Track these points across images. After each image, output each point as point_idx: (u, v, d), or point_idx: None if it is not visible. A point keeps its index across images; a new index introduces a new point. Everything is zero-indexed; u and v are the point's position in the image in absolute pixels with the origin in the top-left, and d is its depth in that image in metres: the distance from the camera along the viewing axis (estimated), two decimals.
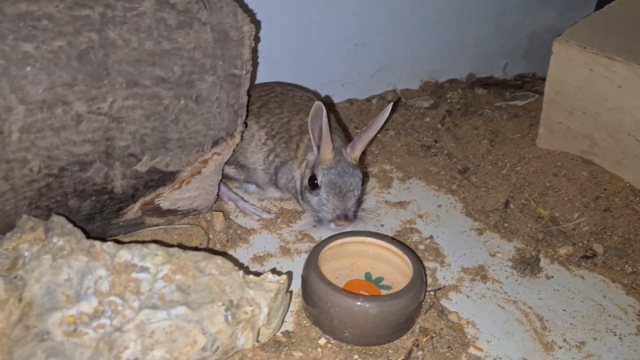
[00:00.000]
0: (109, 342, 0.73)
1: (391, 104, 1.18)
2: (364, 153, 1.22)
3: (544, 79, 1.49)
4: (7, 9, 0.81)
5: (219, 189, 1.16)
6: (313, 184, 1.14)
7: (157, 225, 1.10)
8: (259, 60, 1.45)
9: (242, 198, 1.26)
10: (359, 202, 1.21)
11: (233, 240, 1.17)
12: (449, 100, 1.79)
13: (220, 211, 1.20)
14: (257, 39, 1.29)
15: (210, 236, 1.14)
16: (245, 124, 1.06)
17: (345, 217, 1.14)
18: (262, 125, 1.23)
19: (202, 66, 0.95)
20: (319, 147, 1.13)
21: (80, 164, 0.90)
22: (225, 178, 1.19)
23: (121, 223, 1.03)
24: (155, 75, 0.91)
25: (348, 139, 1.28)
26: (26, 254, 0.83)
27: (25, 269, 0.80)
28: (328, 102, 1.60)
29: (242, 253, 1.14)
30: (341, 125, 1.44)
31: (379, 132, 1.20)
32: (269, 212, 1.26)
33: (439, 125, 1.66)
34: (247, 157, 1.24)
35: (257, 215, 1.24)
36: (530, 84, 1.93)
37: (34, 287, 0.78)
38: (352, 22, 1.60)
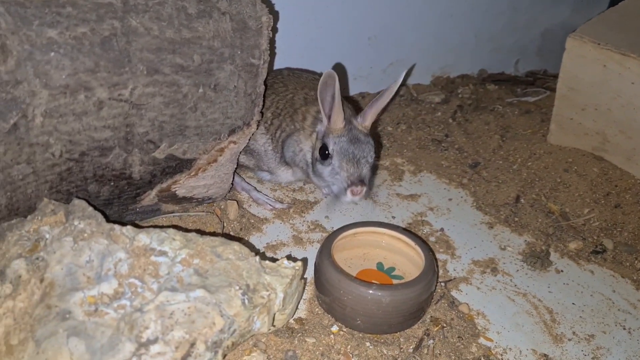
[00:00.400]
0: (130, 322, 0.74)
1: (404, 72, 1.16)
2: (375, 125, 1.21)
3: (555, 76, 1.50)
4: None
5: (233, 179, 1.17)
6: (324, 154, 1.12)
7: (172, 212, 1.11)
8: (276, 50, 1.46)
9: (255, 188, 1.27)
10: (373, 171, 1.19)
11: (246, 229, 1.18)
12: (460, 96, 1.79)
13: (235, 200, 1.21)
14: (274, 30, 1.30)
15: (224, 224, 1.16)
16: (262, 113, 1.07)
17: (361, 182, 1.10)
18: (267, 107, 1.21)
19: (221, 55, 0.97)
20: (329, 117, 1.11)
21: (101, 150, 0.91)
22: (238, 167, 1.21)
23: (138, 209, 1.05)
24: (175, 63, 0.93)
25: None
26: (47, 236, 0.84)
27: (47, 250, 0.82)
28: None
29: (255, 242, 1.16)
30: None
31: (390, 102, 1.18)
32: (281, 202, 1.28)
33: (450, 120, 1.67)
34: (256, 139, 1.23)
35: (270, 205, 1.25)
36: (542, 80, 1.93)
37: (56, 268, 0.80)
38: (365, 16, 1.61)
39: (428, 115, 1.69)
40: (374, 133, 1.16)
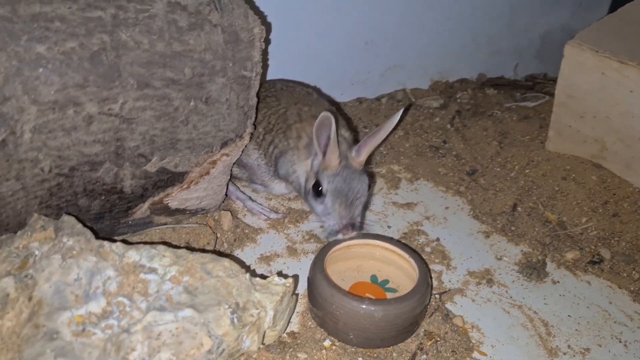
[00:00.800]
0: (117, 343, 0.74)
1: (401, 110, 1.14)
2: (371, 153, 1.20)
3: (555, 80, 1.48)
4: (21, 10, 0.81)
5: (227, 189, 1.16)
6: (317, 191, 1.10)
7: (165, 224, 1.11)
8: (269, 57, 1.45)
9: (249, 198, 1.27)
10: (365, 207, 1.18)
11: (240, 240, 1.18)
12: (458, 101, 1.78)
13: (228, 210, 1.21)
14: (267, 41, 1.29)
15: (218, 235, 1.15)
16: (254, 126, 1.07)
17: (353, 226, 1.08)
18: (259, 121, 1.20)
19: (212, 68, 0.96)
20: (324, 154, 1.09)
21: (91, 164, 0.91)
22: (232, 178, 1.20)
23: (130, 222, 1.04)
24: (166, 77, 0.92)
25: (354, 136, 1.27)
26: (37, 252, 0.84)
27: (36, 267, 0.82)
28: (331, 101, 1.59)
29: (249, 252, 1.15)
30: (350, 124, 1.44)
31: (387, 136, 1.16)
32: (276, 212, 1.27)
33: (448, 126, 1.66)
34: (249, 154, 1.23)
35: (265, 215, 1.24)
36: (541, 85, 1.92)
37: (44, 287, 0.79)
38: (362, 21, 1.60)
39: (426, 120, 1.68)
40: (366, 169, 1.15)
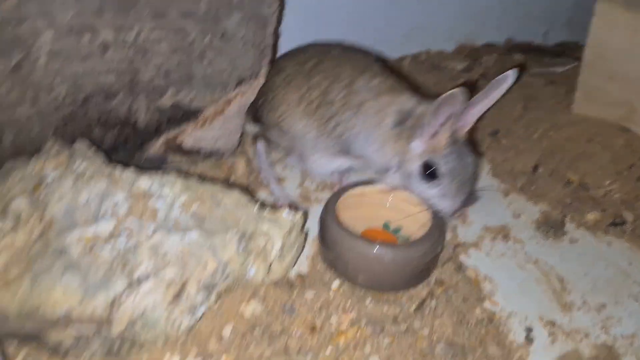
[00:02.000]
0: (123, 261, 0.74)
1: (514, 71, 1.00)
2: None
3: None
4: None
5: (259, 157, 1.15)
6: (431, 174, 0.99)
7: (178, 162, 1.11)
8: (287, 13, 1.42)
9: (276, 180, 1.19)
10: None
11: (254, 186, 1.17)
12: (483, 64, 1.74)
13: (244, 155, 1.20)
14: None
15: (232, 180, 1.15)
16: (271, 64, 1.06)
17: (466, 204, 1.00)
18: (312, 86, 1.08)
19: (229, 2, 0.95)
20: (433, 134, 0.97)
21: (105, 94, 0.91)
22: (269, 146, 1.14)
23: (144, 158, 1.04)
24: (182, 9, 0.92)
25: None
26: (50, 175, 0.85)
27: (48, 190, 0.83)
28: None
29: (261, 199, 1.15)
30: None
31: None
32: (296, 206, 1.16)
33: (472, 88, 1.62)
34: (294, 122, 1.10)
35: (282, 202, 1.14)
36: (571, 52, 1.86)
37: (55, 207, 0.80)
38: None
39: (450, 82, 1.64)
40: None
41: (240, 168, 1.17)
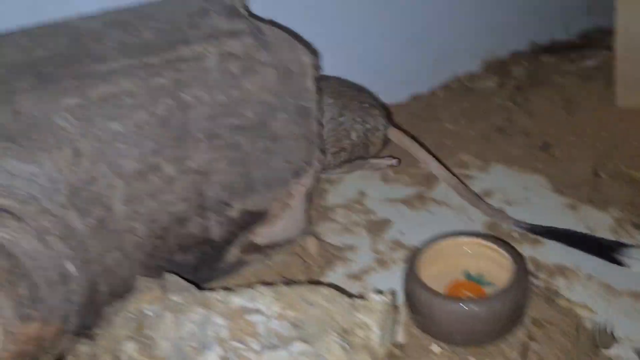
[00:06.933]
0: None
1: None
2: None
3: (611, 31, 1.42)
4: (91, 93, 0.88)
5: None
6: None
7: (255, 261, 1.15)
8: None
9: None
10: None
11: (329, 261, 1.20)
12: (515, 76, 1.74)
13: (312, 235, 1.23)
14: (318, 67, 1.31)
15: (307, 261, 1.18)
16: (323, 151, 1.09)
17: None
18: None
19: (272, 106, 0.99)
20: None
21: (179, 221, 0.96)
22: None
23: (224, 267, 1.09)
24: (231, 125, 0.96)
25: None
26: (149, 313, 0.89)
27: (151, 327, 0.87)
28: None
29: (340, 272, 1.17)
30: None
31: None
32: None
33: (510, 104, 1.62)
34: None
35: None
36: (598, 40, 1.84)
37: (163, 345, 0.84)
38: (398, 18, 1.59)
39: (485, 103, 1.65)
40: None
41: (311, 247, 1.20)
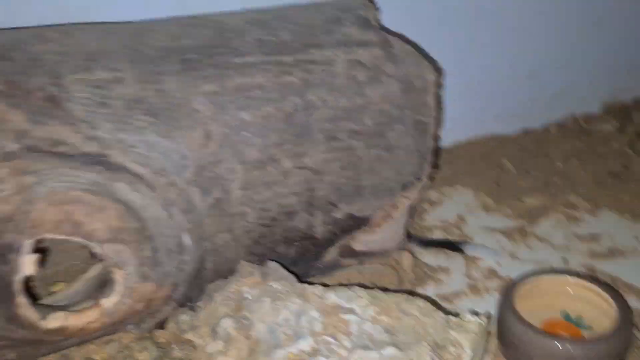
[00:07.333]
0: None
1: None
2: None
3: None
4: (227, 83, 0.94)
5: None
6: None
7: (350, 265, 1.17)
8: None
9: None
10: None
11: (421, 279, 1.20)
12: (636, 122, 1.67)
13: (408, 250, 1.24)
14: (440, 85, 1.33)
15: (400, 275, 1.19)
16: (434, 167, 1.10)
17: None
18: None
19: (391, 116, 1.02)
20: None
21: (288, 214, 1.00)
22: None
23: (320, 265, 1.12)
24: (350, 129, 1.00)
25: None
26: (248, 296, 0.94)
27: (250, 309, 0.91)
28: None
29: (431, 291, 1.17)
30: None
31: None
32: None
33: (628, 150, 1.55)
34: None
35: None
36: None
37: (259, 326, 0.88)
38: (524, 51, 1.58)
39: (601, 146, 1.59)
40: None
41: (406, 262, 1.21)
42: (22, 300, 0.78)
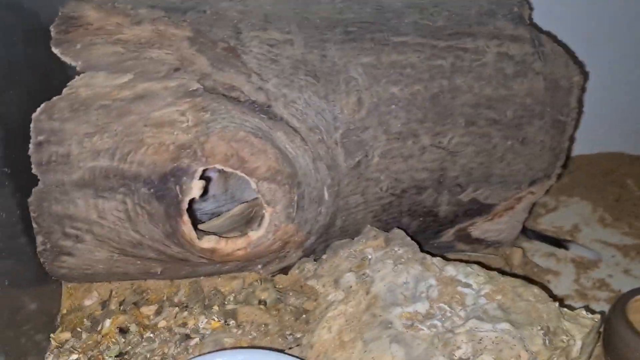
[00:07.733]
0: (443, 340, 0.85)
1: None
2: None
3: None
4: (383, 58, 1.01)
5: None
6: None
7: (462, 250, 1.21)
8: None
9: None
10: None
11: (528, 278, 1.22)
12: None
13: (520, 247, 1.26)
14: (584, 89, 1.33)
15: (508, 270, 1.22)
16: (564, 167, 1.12)
17: None
18: None
19: (531, 111, 1.05)
20: None
21: (417, 188, 1.06)
22: None
23: (435, 244, 1.17)
24: (490, 118, 1.04)
25: None
26: (370, 257, 1.01)
27: (371, 268, 0.98)
28: None
29: None
30: None
31: None
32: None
33: None
34: None
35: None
36: None
37: (379, 285, 0.95)
38: None
39: None
40: None
41: (516, 258, 1.23)
42: (187, 219, 0.89)
